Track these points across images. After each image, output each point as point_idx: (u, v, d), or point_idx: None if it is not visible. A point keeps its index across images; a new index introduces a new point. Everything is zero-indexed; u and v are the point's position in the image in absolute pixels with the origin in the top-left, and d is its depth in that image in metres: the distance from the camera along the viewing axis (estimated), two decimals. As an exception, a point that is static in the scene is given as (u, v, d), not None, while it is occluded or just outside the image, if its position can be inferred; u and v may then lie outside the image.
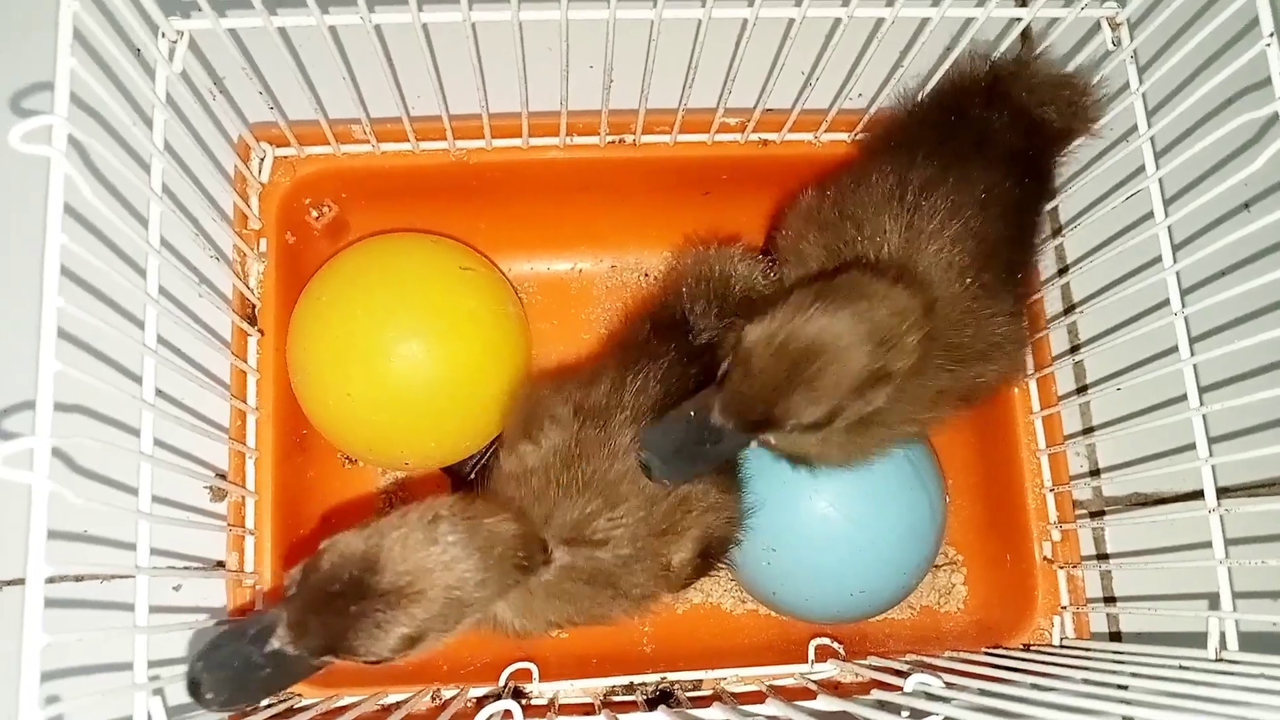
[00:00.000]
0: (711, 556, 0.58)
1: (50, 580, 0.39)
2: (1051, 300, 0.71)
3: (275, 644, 0.44)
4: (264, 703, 0.59)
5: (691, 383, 0.57)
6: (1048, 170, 0.61)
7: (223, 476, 0.63)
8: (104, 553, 0.63)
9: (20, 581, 0.66)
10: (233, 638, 0.45)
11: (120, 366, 0.64)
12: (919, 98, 0.64)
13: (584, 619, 0.55)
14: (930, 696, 0.46)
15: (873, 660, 0.62)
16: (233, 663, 0.44)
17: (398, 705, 0.57)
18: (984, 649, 0.64)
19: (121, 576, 0.64)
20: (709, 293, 0.61)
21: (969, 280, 0.55)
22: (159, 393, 0.50)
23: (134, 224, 0.48)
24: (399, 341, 0.62)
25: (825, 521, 0.62)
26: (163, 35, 0.53)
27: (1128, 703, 0.41)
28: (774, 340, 0.48)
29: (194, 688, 0.44)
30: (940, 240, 0.55)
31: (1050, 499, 0.67)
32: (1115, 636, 0.69)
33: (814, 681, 0.61)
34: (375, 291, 0.64)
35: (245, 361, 0.63)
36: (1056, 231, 0.63)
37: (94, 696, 0.43)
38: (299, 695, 0.61)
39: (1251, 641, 0.51)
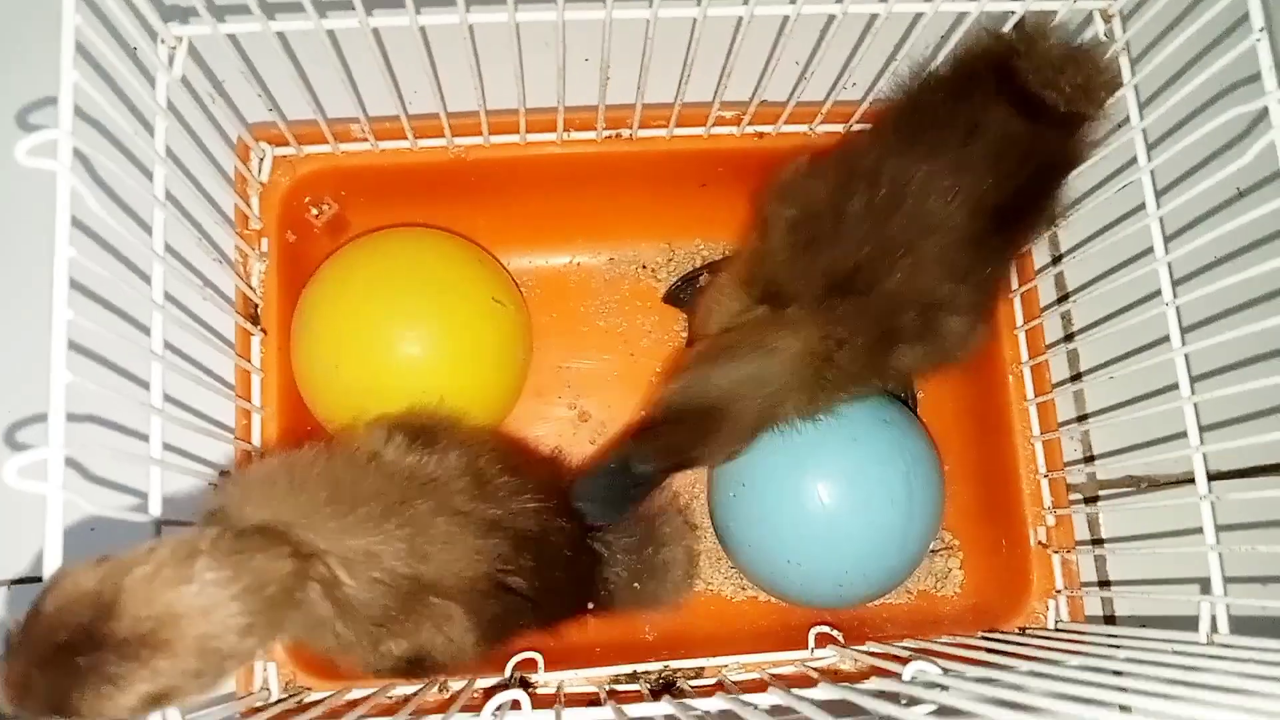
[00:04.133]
0: (422, 668, 0.53)
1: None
2: (1045, 288, 0.72)
3: None
4: (274, 697, 0.61)
5: (556, 550, 0.56)
6: (1049, 165, 0.59)
7: (227, 474, 0.64)
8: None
9: (36, 579, 0.67)
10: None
11: (126, 372, 0.65)
12: (918, 79, 0.63)
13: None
14: (928, 684, 0.47)
15: (871, 646, 0.63)
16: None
17: (407, 699, 0.58)
18: (980, 633, 0.66)
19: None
20: (638, 534, 0.61)
21: (919, 271, 0.56)
22: (166, 397, 0.51)
23: (138, 231, 0.48)
24: (398, 331, 0.63)
25: (790, 481, 0.63)
26: (162, 42, 0.54)
27: (1123, 689, 0.42)
28: (682, 399, 0.57)
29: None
30: (894, 232, 0.56)
31: (1044, 485, 0.68)
32: (1110, 619, 0.70)
33: (814, 669, 0.62)
34: (379, 282, 0.65)
35: (249, 361, 0.64)
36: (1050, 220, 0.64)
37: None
38: (308, 689, 0.62)
39: (1242, 625, 0.52)
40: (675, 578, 0.63)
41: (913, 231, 0.56)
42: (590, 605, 0.60)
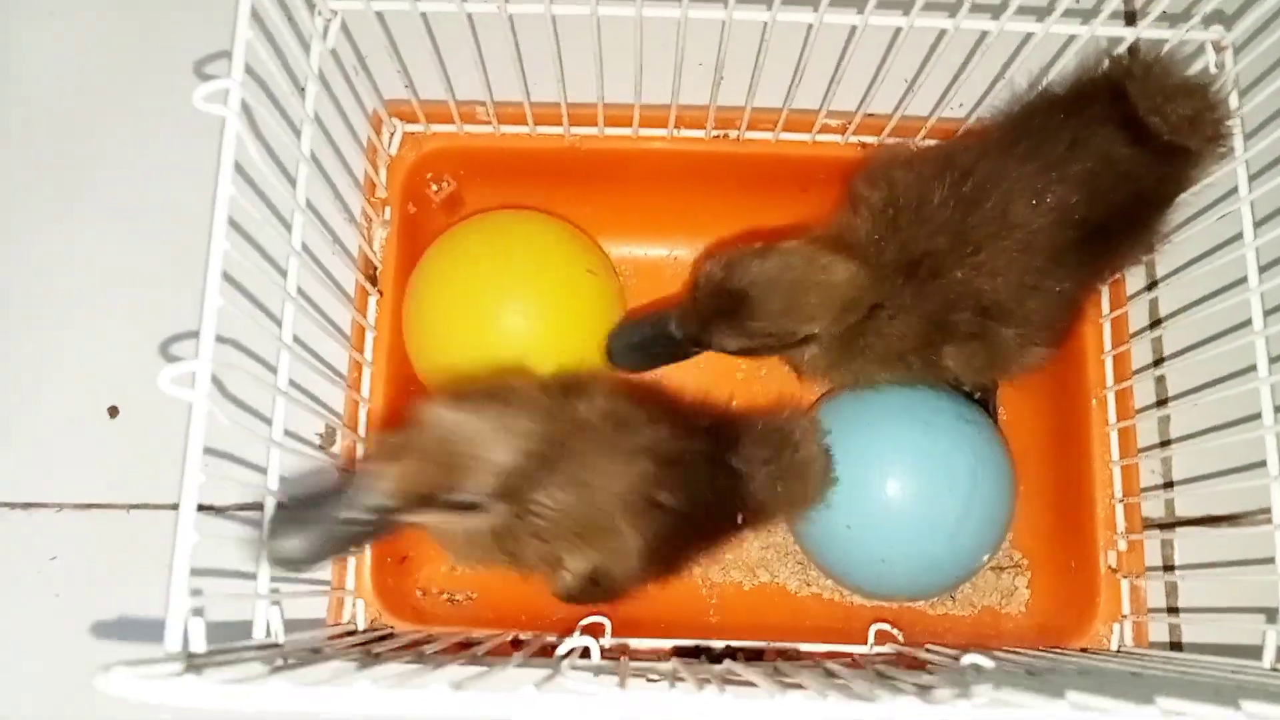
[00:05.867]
0: (600, 585, 0.59)
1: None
2: (1138, 313, 0.72)
3: (374, 498, 0.49)
4: (361, 626, 0.65)
5: (692, 475, 0.59)
6: (1149, 196, 0.59)
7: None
8: (236, 470, 0.69)
9: (173, 506, 0.73)
10: (321, 496, 0.49)
11: (265, 307, 0.70)
12: (1032, 92, 0.64)
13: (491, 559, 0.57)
14: (978, 669, 0.49)
15: (930, 647, 0.65)
16: (321, 516, 0.48)
17: (482, 641, 0.61)
18: (1040, 648, 0.66)
19: (251, 507, 0.71)
20: (772, 442, 0.63)
21: (987, 271, 0.58)
22: (294, 337, 0.55)
23: (284, 182, 0.53)
24: (504, 304, 0.67)
25: (858, 442, 0.65)
26: (319, 13, 0.59)
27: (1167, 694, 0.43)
28: (711, 279, 0.59)
29: (277, 540, 0.48)
30: (972, 227, 0.58)
31: (1119, 510, 0.68)
32: (1176, 646, 0.70)
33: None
34: (492, 256, 0.69)
35: (365, 318, 0.69)
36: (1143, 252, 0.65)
37: (224, 598, 0.48)
38: (391, 629, 0.66)
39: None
40: (816, 474, 0.64)
41: (990, 230, 0.57)
42: (740, 518, 0.63)
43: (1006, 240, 0.57)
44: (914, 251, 0.58)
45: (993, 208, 0.57)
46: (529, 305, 0.68)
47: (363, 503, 0.49)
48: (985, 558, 0.67)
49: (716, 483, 0.61)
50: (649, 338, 0.63)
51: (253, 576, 0.52)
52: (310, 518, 0.49)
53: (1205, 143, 0.58)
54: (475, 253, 0.70)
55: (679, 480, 0.57)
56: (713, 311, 0.59)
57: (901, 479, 0.64)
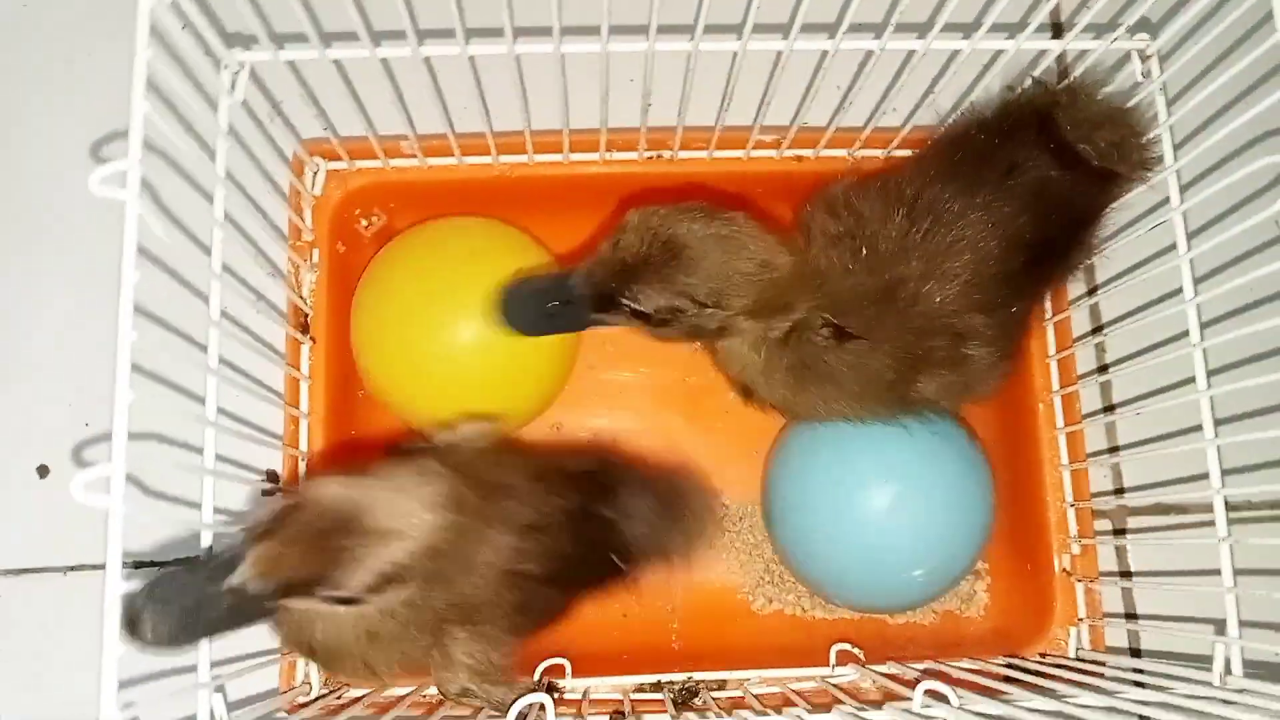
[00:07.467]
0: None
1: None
2: (1080, 319, 0.72)
3: (236, 580, 0.45)
4: (315, 692, 0.63)
5: (559, 528, 0.57)
6: (1083, 215, 0.60)
7: (275, 478, 0.67)
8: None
9: (99, 566, 0.70)
10: (185, 573, 0.45)
11: (181, 387, 0.67)
12: (960, 118, 0.64)
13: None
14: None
15: (891, 667, 0.65)
16: (183, 597, 0.44)
17: (443, 699, 0.60)
18: (1001, 656, 0.66)
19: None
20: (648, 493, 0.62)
21: (948, 296, 0.58)
22: (220, 410, 0.53)
23: (197, 252, 0.51)
24: (454, 317, 0.65)
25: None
26: (225, 67, 0.56)
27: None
28: (646, 225, 0.54)
29: (132, 622, 0.43)
30: (925, 258, 0.57)
31: (1071, 514, 0.68)
32: (1135, 652, 0.70)
33: (834, 685, 0.64)
34: (441, 267, 0.67)
35: (298, 370, 0.66)
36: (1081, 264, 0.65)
37: (162, 697, 0.47)
38: (347, 685, 0.64)
39: (1259, 669, 0.53)
40: (693, 521, 0.64)
41: (943, 260, 0.57)
42: (622, 565, 0.61)
43: (965, 265, 0.57)
44: (875, 285, 0.57)
45: (945, 236, 0.57)
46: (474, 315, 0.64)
47: (228, 583, 0.46)
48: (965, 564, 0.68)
49: (581, 538, 0.58)
50: (545, 290, 0.57)
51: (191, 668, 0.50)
52: (175, 595, 0.45)
53: (1132, 168, 0.58)
54: (416, 268, 0.68)
55: (540, 545, 0.56)
56: (640, 260, 0.54)
57: (883, 486, 0.65)
